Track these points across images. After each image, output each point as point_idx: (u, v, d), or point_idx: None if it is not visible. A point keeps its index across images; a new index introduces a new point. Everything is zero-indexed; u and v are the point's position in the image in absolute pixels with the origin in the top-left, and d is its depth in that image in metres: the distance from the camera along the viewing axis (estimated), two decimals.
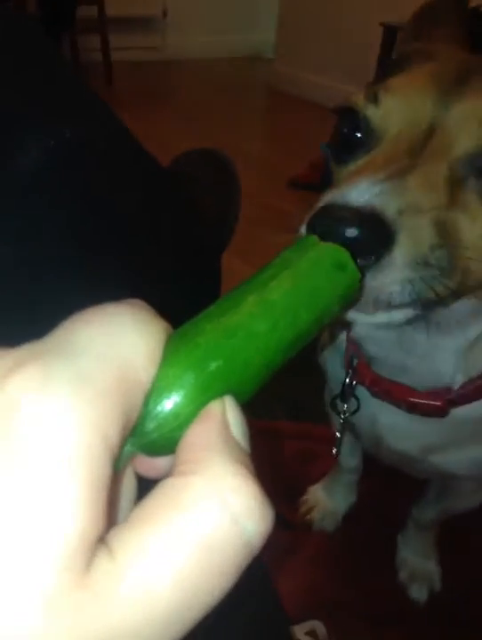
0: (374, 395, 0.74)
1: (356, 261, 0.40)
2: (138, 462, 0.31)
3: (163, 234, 0.83)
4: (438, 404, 0.68)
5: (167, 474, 0.26)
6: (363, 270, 0.43)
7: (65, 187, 0.65)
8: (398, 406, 0.72)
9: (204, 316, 0.32)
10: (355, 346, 0.73)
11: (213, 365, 0.29)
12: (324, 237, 0.42)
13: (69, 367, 0.24)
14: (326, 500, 1.26)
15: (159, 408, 0.28)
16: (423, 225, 0.48)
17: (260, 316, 0.32)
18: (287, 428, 1.44)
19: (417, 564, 1.18)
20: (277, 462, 1.35)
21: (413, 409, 0.71)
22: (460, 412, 0.69)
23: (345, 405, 0.77)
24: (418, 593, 1.16)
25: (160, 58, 4.95)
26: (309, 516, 1.25)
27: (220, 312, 0.32)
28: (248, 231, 2.10)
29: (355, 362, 0.75)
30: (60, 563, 0.21)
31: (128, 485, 0.31)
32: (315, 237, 0.40)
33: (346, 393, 0.77)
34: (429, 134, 0.52)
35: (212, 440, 0.26)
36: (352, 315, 0.50)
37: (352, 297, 0.40)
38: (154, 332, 0.27)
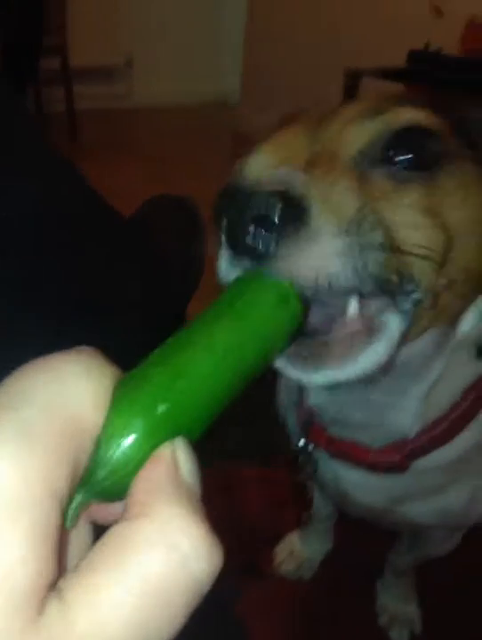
0: (332, 456, 0.73)
1: (296, 295, 0.39)
2: (94, 510, 0.31)
3: (130, 287, 0.84)
4: (397, 459, 0.67)
5: None
6: (285, 248, 0.41)
7: (27, 243, 0.65)
8: (358, 466, 0.71)
9: (152, 359, 0.32)
10: (307, 410, 0.72)
11: (161, 409, 0.30)
12: (230, 218, 0.41)
13: (14, 419, 0.24)
14: (302, 549, 1.24)
15: (109, 455, 0.28)
16: (339, 190, 0.44)
17: (205, 357, 0.32)
18: (261, 474, 1.42)
19: (397, 608, 1.17)
20: (252, 510, 1.33)
21: (373, 468, 0.69)
22: (420, 463, 0.68)
23: (304, 469, 0.77)
24: (399, 637, 1.15)
25: (125, 106, 5.03)
26: (284, 566, 1.23)
27: (166, 354, 0.33)
28: (212, 274, 2.11)
29: (309, 423, 0.74)
30: (11, 609, 0.21)
31: (82, 532, 0.31)
32: (257, 273, 0.40)
33: (301, 455, 0.76)
34: (313, 158, 0.51)
35: (161, 483, 0.27)
36: (317, 376, 0.45)
37: (296, 330, 0.40)
38: (101, 378, 0.28)
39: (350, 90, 2.88)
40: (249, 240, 0.41)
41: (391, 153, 0.50)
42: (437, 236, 0.49)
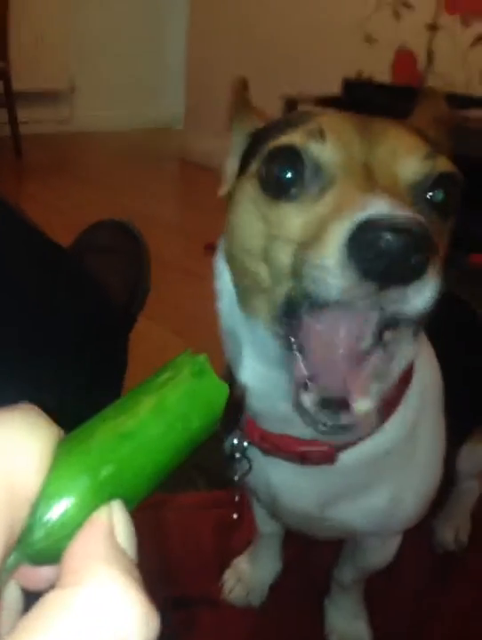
0: (265, 451, 0.75)
1: None
2: (21, 573, 0.30)
3: (60, 314, 0.83)
4: (325, 449, 0.70)
5: (51, 585, 0.26)
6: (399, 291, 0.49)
7: None
8: (291, 460, 0.73)
9: (99, 418, 0.32)
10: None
11: (106, 471, 0.29)
12: (374, 254, 0.47)
13: None
14: (251, 573, 1.23)
15: (47, 516, 0.27)
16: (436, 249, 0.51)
17: (154, 421, 0.32)
18: (209, 498, 1.41)
19: (346, 627, 1.16)
20: (201, 536, 1.32)
21: (304, 460, 0.72)
22: (346, 458, 0.71)
23: (237, 466, 0.78)
24: None
25: (69, 130, 5.00)
26: (233, 593, 1.21)
27: (114, 415, 0.32)
28: (166, 296, 2.12)
29: (242, 422, 0.76)
30: None
31: (13, 595, 0.30)
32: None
33: (235, 453, 0.77)
34: (369, 169, 0.56)
35: (96, 549, 0.27)
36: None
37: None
38: (44, 439, 0.28)
39: None
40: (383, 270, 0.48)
41: (432, 194, 0.58)
42: None
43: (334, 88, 3.00)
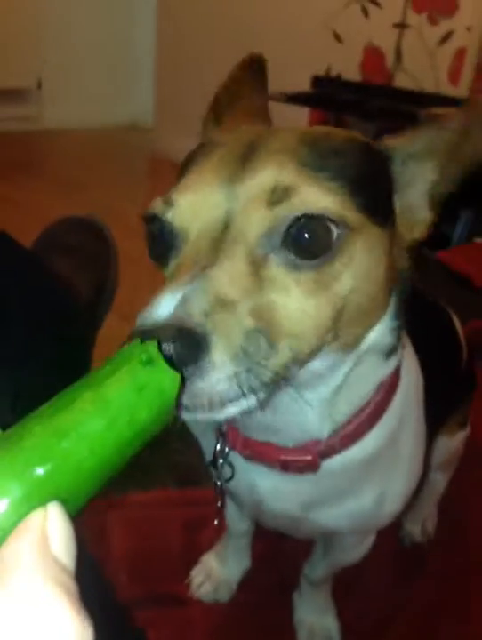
0: (247, 458, 0.74)
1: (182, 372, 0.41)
2: None
3: (10, 311, 0.81)
4: (309, 458, 0.69)
5: None
6: (188, 377, 0.46)
7: None
8: (272, 467, 0.72)
9: (35, 415, 0.30)
10: None
11: (41, 471, 0.28)
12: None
13: None
14: (219, 570, 1.22)
15: None
16: (234, 317, 0.49)
17: (95, 414, 0.31)
18: (178, 496, 1.40)
19: (315, 622, 1.17)
20: (169, 534, 1.31)
21: (286, 467, 0.71)
22: (331, 464, 0.71)
23: (220, 472, 0.77)
24: None
25: (36, 128, 4.92)
26: (201, 590, 1.21)
27: (51, 411, 0.31)
28: (138, 294, 2.10)
29: (224, 428, 0.75)
30: None
31: None
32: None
33: (217, 460, 0.77)
34: (226, 226, 0.53)
35: (24, 559, 0.25)
36: (189, 416, 0.50)
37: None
38: None
39: None
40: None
41: (290, 238, 0.53)
42: (325, 312, 0.54)
43: (304, 86, 3.01)
